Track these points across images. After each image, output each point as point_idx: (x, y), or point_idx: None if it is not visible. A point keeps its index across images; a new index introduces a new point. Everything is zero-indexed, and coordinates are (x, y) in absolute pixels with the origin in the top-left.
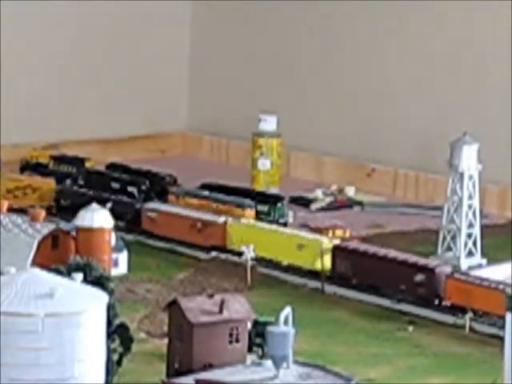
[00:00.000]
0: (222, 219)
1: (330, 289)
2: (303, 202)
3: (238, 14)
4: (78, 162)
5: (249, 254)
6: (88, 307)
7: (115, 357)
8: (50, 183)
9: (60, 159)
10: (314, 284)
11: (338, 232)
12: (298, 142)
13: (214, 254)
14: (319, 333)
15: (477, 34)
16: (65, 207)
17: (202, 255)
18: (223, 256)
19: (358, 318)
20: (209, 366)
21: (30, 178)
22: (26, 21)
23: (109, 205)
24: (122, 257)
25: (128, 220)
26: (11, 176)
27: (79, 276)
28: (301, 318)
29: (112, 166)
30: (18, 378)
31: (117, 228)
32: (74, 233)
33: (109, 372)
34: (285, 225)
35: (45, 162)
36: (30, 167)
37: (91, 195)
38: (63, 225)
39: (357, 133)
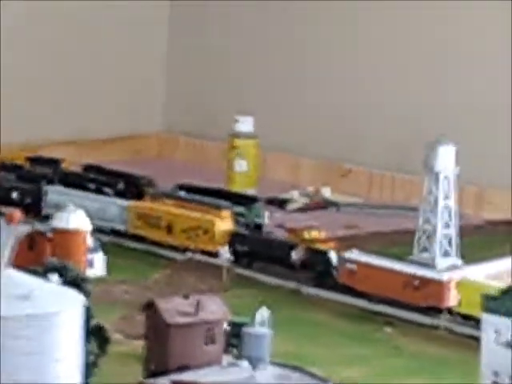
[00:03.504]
0: (445, 276)
1: (309, 290)
2: (279, 203)
3: (215, 15)
4: (55, 163)
5: (225, 254)
6: (64, 308)
7: (91, 358)
8: (220, 225)
9: (36, 160)
10: (291, 285)
11: (314, 233)
12: (274, 143)
13: (189, 254)
14: (297, 334)
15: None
16: (241, 253)
17: (178, 256)
18: (199, 257)
19: (336, 319)
20: (185, 367)
21: (200, 216)
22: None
23: (294, 253)
24: (98, 258)
25: (318, 271)
26: (190, 215)
27: (55, 277)
28: (279, 319)
29: (89, 168)
30: None
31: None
32: (50, 234)
33: (85, 373)
34: (260, 226)
35: (21, 164)
36: (6, 169)
37: (272, 240)
38: (39, 226)
39: (333, 134)
